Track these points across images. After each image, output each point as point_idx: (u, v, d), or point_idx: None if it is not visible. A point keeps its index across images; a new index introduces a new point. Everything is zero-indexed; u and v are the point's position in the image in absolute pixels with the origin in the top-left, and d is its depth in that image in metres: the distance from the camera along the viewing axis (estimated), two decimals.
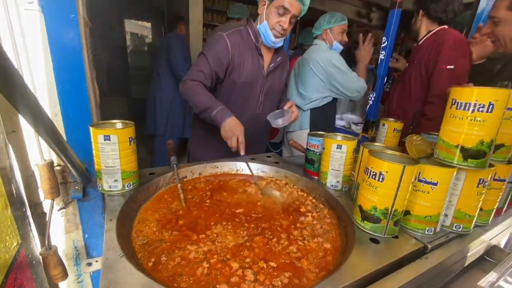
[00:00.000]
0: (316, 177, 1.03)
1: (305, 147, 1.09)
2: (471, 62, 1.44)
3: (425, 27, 1.59)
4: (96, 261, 0.62)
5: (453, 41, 1.44)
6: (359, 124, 2.05)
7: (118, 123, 0.83)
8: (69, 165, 0.65)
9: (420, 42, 1.61)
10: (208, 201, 0.87)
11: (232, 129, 1.11)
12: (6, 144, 0.66)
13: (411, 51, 1.78)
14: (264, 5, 1.23)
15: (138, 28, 5.96)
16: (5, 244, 0.63)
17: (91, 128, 0.74)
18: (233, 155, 1.13)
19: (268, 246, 0.67)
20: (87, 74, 0.78)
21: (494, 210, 0.81)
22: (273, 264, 0.61)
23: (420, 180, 0.69)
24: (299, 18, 1.27)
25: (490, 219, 0.82)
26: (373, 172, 0.65)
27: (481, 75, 1.50)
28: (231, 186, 1.00)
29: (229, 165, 1.12)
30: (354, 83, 1.76)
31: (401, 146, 1.30)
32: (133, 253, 0.61)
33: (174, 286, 0.53)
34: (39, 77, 0.73)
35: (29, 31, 0.68)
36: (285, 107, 1.26)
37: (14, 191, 0.69)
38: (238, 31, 1.28)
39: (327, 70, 1.74)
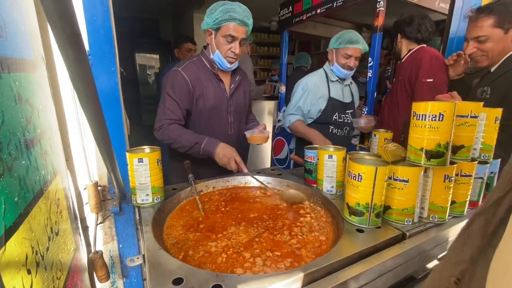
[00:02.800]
0: (314, 185, 1.19)
1: (304, 159, 1.25)
2: (448, 75, 1.60)
3: (405, 47, 1.79)
4: (137, 258, 0.79)
5: (430, 57, 1.62)
6: (357, 136, 2.21)
7: (147, 148, 1.02)
8: (114, 182, 0.83)
9: (402, 60, 1.80)
10: (222, 209, 1.03)
11: (226, 154, 1.24)
12: (66, 169, 0.85)
13: None
14: (210, 35, 1.30)
15: (147, 59, 6.40)
16: (67, 247, 0.80)
17: (127, 154, 0.93)
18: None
19: (273, 240, 0.82)
20: (122, 111, 0.99)
21: (467, 202, 0.94)
22: (277, 253, 0.76)
23: (395, 179, 0.85)
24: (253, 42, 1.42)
25: (465, 211, 0.95)
26: (354, 174, 0.81)
27: (462, 87, 1.66)
28: (241, 197, 1.16)
29: (238, 179, 1.28)
30: (287, 111, 1.87)
31: None
32: (166, 249, 0.77)
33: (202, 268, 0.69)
34: None
35: None
36: (260, 128, 1.37)
37: (71, 206, 0.87)
38: (192, 63, 1.36)
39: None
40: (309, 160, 1.22)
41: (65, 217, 0.80)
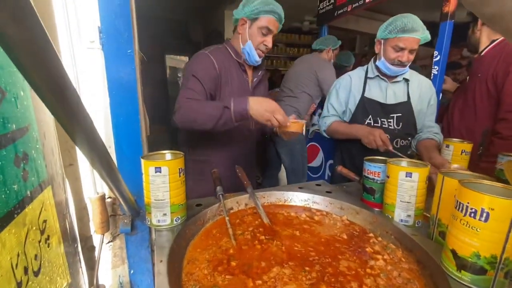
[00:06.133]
0: (377, 209, 0.90)
1: (363, 174, 0.97)
2: None
3: (486, 37, 1.43)
4: None
5: None
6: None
7: (168, 154, 0.80)
8: (120, 199, 0.62)
9: (482, 53, 1.44)
10: (260, 237, 0.78)
11: (267, 108, 1.03)
12: (64, 179, 0.66)
13: (457, 66, 1.59)
14: (244, 24, 1.21)
15: (177, 62, 6.44)
16: (56, 285, 0.60)
17: (142, 160, 0.72)
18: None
19: None
20: (140, 107, 0.78)
21: None
22: None
23: None
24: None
25: None
26: (471, 208, 0.53)
27: None
28: (281, 220, 0.90)
29: (276, 195, 1.03)
30: (322, 115, 1.65)
31: (473, 172, 1.10)
32: None
33: None
34: (96, 112, 0.75)
35: (89, 68, 0.71)
36: (291, 117, 1.15)
37: (67, 226, 0.68)
38: (218, 49, 1.27)
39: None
40: (370, 176, 0.93)
41: (55, 243, 0.60)
